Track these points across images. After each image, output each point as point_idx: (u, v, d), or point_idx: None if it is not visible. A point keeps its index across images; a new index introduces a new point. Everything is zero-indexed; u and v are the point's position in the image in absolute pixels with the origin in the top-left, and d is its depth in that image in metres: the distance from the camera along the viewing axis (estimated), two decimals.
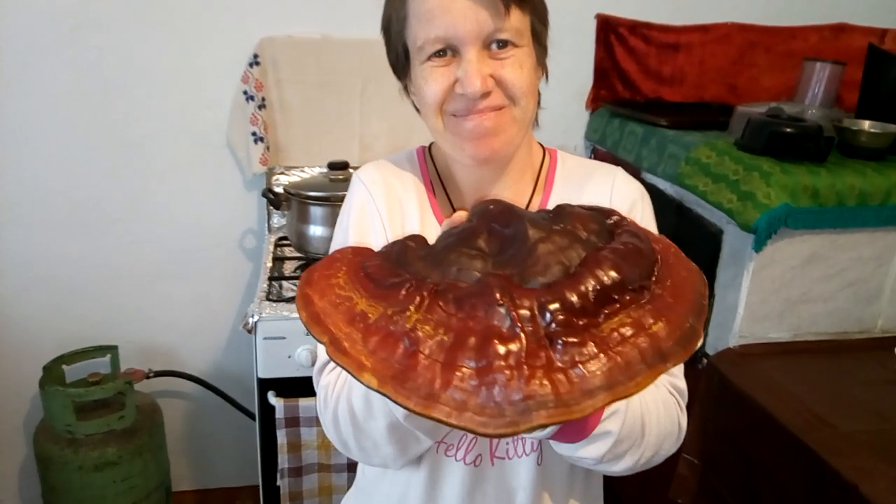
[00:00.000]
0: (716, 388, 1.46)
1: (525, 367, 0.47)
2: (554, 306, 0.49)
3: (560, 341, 0.48)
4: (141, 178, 1.94)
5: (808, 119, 1.56)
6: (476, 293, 0.51)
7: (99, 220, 1.95)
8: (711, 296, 1.54)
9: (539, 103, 0.86)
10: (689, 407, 1.50)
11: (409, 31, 0.77)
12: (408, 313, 0.51)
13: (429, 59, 0.76)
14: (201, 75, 1.89)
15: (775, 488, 1.28)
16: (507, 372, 0.47)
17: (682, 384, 0.86)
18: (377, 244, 0.84)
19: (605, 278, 0.51)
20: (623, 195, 0.88)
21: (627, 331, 0.49)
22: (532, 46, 0.78)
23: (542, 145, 0.94)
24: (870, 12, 2.14)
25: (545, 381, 0.46)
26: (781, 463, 1.26)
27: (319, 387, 0.82)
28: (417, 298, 0.52)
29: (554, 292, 0.50)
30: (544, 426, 0.45)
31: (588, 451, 0.70)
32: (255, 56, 1.87)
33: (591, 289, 0.50)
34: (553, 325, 0.49)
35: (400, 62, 0.82)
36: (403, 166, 0.90)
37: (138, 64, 1.85)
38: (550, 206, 0.88)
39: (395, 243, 0.62)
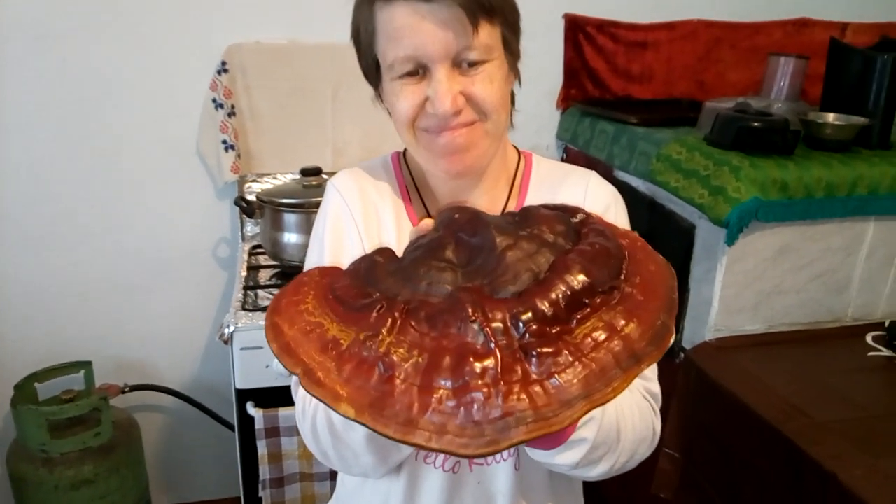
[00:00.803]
0: (694, 382, 1.47)
1: (502, 382, 0.47)
2: (526, 317, 0.50)
3: (535, 352, 0.48)
4: (112, 190, 1.91)
5: (775, 113, 1.58)
6: (448, 309, 0.51)
7: (70, 234, 1.91)
8: (686, 290, 1.56)
9: (514, 104, 0.87)
10: (667, 402, 1.51)
11: (378, 46, 0.77)
12: (380, 337, 0.51)
13: (399, 77, 0.76)
14: (169, 84, 1.86)
15: (755, 479, 1.29)
16: (485, 390, 0.47)
17: (656, 388, 0.87)
18: (353, 252, 0.84)
19: (575, 283, 0.51)
20: (597, 199, 0.88)
21: (600, 335, 0.50)
22: (503, 57, 0.78)
23: (517, 148, 0.94)
24: (830, 7, 2.18)
25: (523, 396, 0.47)
26: (760, 454, 1.28)
27: (297, 397, 0.81)
28: (389, 320, 0.52)
29: (525, 302, 0.51)
30: (525, 442, 0.45)
31: (564, 458, 0.70)
32: (224, 63, 1.85)
33: (561, 295, 0.51)
34: (527, 335, 0.49)
35: (371, 72, 0.81)
36: (378, 173, 0.90)
37: (106, 74, 1.82)
38: None
39: (362, 259, 0.62)
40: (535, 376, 0.47)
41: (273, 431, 1.54)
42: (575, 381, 0.47)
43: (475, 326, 0.49)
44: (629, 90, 2.13)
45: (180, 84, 1.86)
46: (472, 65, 0.74)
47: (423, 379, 0.48)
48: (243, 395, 1.55)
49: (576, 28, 2.04)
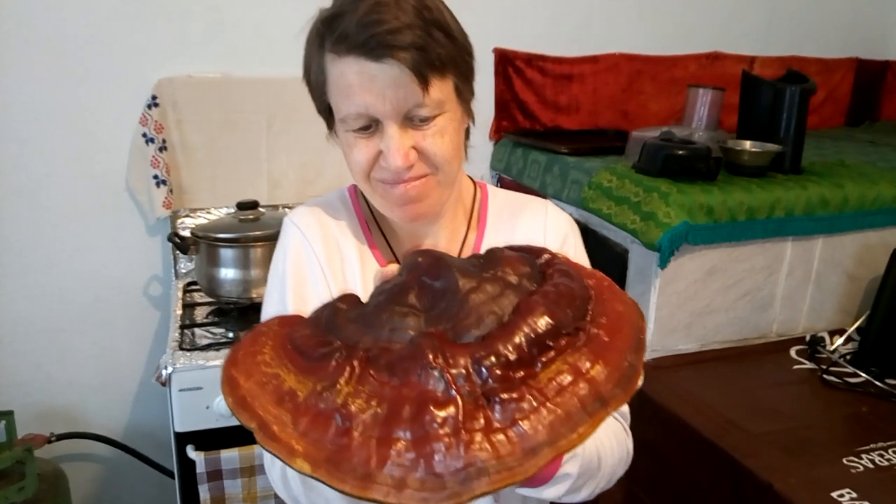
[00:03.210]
0: (634, 401, 1.51)
1: (463, 431, 0.45)
2: (489, 361, 0.48)
3: (498, 398, 0.47)
4: (32, 228, 1.82)
5: (697, 141, 1.67)
6: (409, 356, 0.50)
7: None
8: None
9: (468, 138, 0.88)
10: None
11: (329, 96, 0.77)
12: (338, 387, 0.49)
13: (352, 130, 0.76)
14: (96, 118, 1.81)
15: (697, 493, 1.34)
16: (446, 440, 0.45)
17: (625, 408, 0.90)
18: (317, 289, 0.83)
19: (539, 325, 0.50)
20: (556, 228, 0.91)
21: (565, 378, 0.49)
22: (456, 107, 0.79)
23: (472, 179, 0.95)
24: (740, 42, 2.33)
25: (485, 445, 0.45)
26: (700, 468, 1.33)
27: None
28: (347, 369, 0.50)
29: (488, 346, 0.49)
30: (489, 493, 0.44)
31: (549, 493, 0.71)
32: (154, 97, 1.81)
33: (525, 338, 0.49)
34: (490, 381, 0.48)
35: (324, 113, 0.82)
36: (337, 209, 0.90)
37: (27, 107, 1.75)
38: (485, 241, 0.90)
39: (325, 307, 0.60)
40: (497, 424, 0.46)
41: (215, 475, 1.48)
42: (540, 427, 0.46)
43: (436, 373, 0.48)
44: (557, 121, 2.20)
45: (108, 118, 1.81)
46: (424, 120, 0.75)
47: (381, 430, 0.47)
48: (183, 438, 1.49)
49: (505, 62, 2.10)
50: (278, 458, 0.47)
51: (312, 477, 0.46)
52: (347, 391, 0.49)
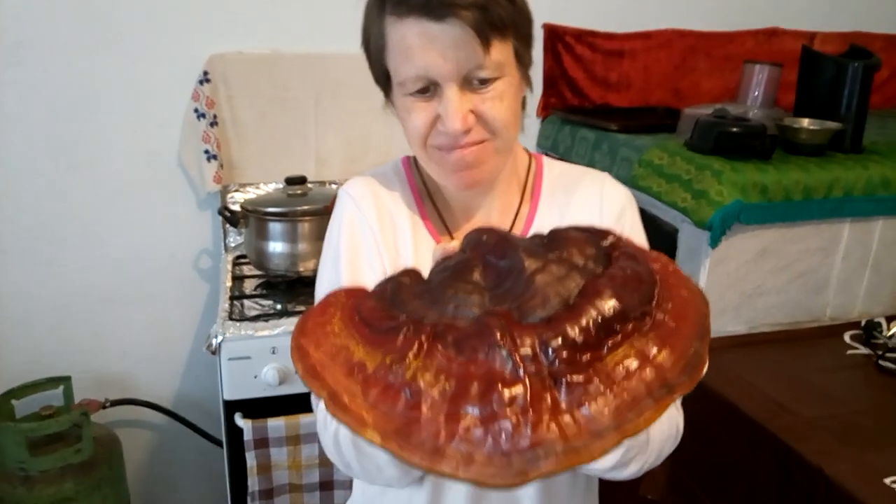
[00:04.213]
0: None
1: (531, 411, 0.46)
2: (556, 343, 0.48)
3: (565, 380, 0.47)
4: (91, 201, 1.88)
5: (752, 119, 1.62)
6: (476, 334, 0.50)
7: (47, 247, 1.88)
8: None
9: (524, 109, 0.86)
10: None
11: (388, 60, 0.77)
12: (407, 361, 0.50)
13: (410, 94, 0.76)
14: (151, 94, 1.85)
15: (743, 477, 1.31)
16: (513, 419, 0.46)
17: None
18: (371, 261, 0.84)
19: (606, 309, 0.50)
20: (613, 202, 0.89)
21: (632, 363, 0.49)
22: (515, 72, 0.78)
23: (527, 151, 0.94)
24: (799, 17, 2.25)
25: (552, 426, 0.45)
26: (747, 452, 1.30)
27: (318, 408, 0.80)
28: (416, 344, 0.50)
29: (555, 327, 0.49)
30: (555, 473, 0.45)
31: (598, 465, 0.70)
32: (206, 73, 1.84)
33: (592, 321, 0.49)
34: (556, 362, 0.48)
35: (381, 81, 0.82)
36: (391, 180, 0.90)
37: (85, 84, 1.80)
38: (539, 214, 0.89)
39: (388, 280, 0.61)
40: (564, 405, 0.46)
41: (262, 442, 1.52)
42: (606, 411, 0.46)
43: (503, 352, 0.48)
44: (607, 98, 2.16)
45: (162, 94, 1.85)
46: (483, 82, 0.75)
47: (450, 406, 0.47)
48: (231, 407, 1.53)
49: (555, 38, 2.07)
50: (348, 427, 0.48)
51: (382, 448, 0.47)
52: (416, 365, 0.50)
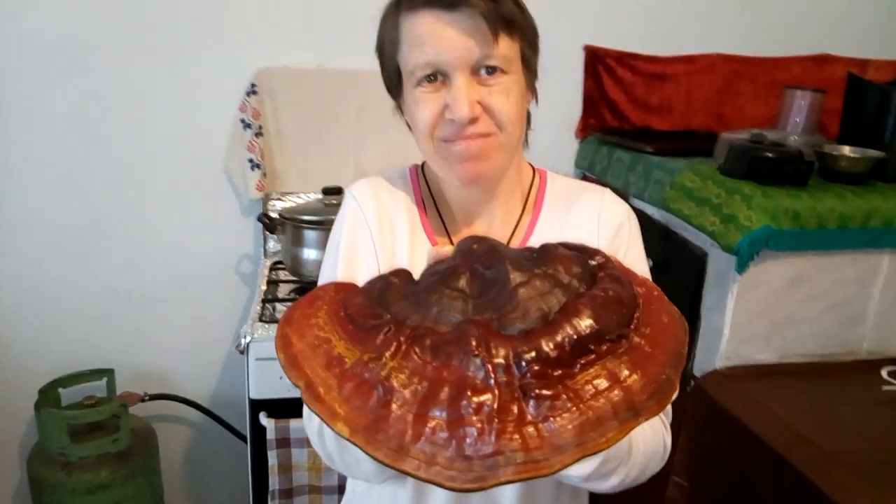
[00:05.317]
0: (703, 410, 1.47)
1: (496, 420, 0.47)
2: (529, 356, 0.50)
3: (534, 393, 0.48)
4: (141, 204, 1.98)
5: (790, 145, 1.60)
6: (453, 341, 0.52)
7: (97, 245, 1.98)
8: (698, 318, 1.56)
9: (529, 124, 0.89)
10: (678, 429, 1.51)
11: (400, 55, 0.80)
12: (383, 360, 0.52)
13: (419, 83, 0.79)
14: (200, 104, 1.94)
15: None
16: (479, 425, 0.47)
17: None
18: (366, 258, 0.87)
19: (582, 328, 0.51)
20: (611, 216, 0.90)
21: (602, 383, 0.50)
22: (521, 73, 0.81)
23: (532, 166, 0.97)
24: (851, 43, 2.19)
25: (516, 436, 0.47)
26: (767, 483, 1.27)
27: None
28: (394, 344, 0.52)
29: (530, 341, 0.51)
30: (512, 482, 0.46)
31: (574, 470, 0.70)
32: (253, 85, 1.92)
33: (567, 339, 0.51)
34: (528, 375, 0.49)
35: (393, 83, 0.85)
36: (396, 183, 0.93)
37: (138, 91, 1.90)
38: (539, 225, 0.91)
39: (379, 279, 0.63)
40: (530, 417, 0.48)
41: (284, 442, 1.56)
42: (570, 426, 0.47)
43: (477, 361, 0.50)
44: (648, 121, 2.15)
45: (211, 104, 1.94)
46: (491, 73, 0.77)
47: (419, 407, 0.49)
48: (256, 406, 1.58)
49: (595, 60, 2.08)
50: (321, 417, 0.50)
51: (350, 441, 0.49)
52: (392, 365, 0.51)
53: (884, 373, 1.50)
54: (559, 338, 0.51)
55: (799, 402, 1.40)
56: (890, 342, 1.58)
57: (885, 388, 1.45)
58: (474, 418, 0.47)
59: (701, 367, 1.55)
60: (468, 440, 0.47)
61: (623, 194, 1.84)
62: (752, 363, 1.52)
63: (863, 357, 1.57)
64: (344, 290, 0.63)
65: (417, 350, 0.52)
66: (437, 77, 0.78)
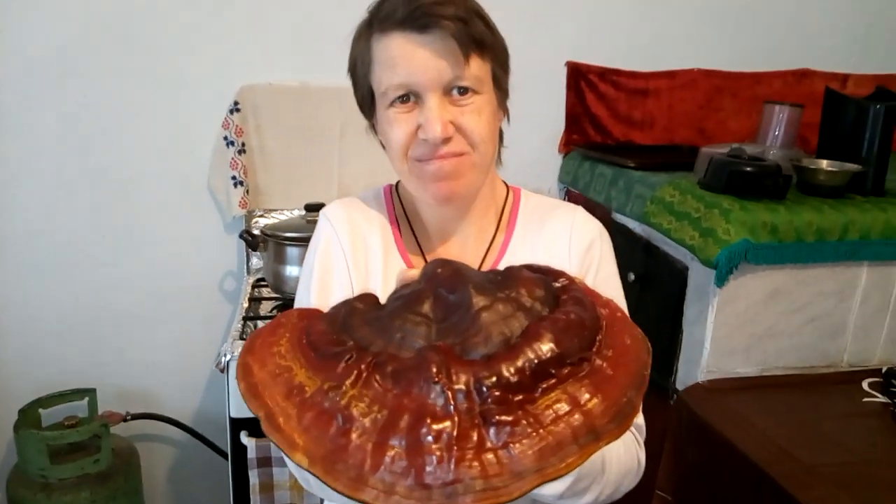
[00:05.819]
0: (685, 423, 1.47)
1: (455, 448, 0.47)
2: (490, 382, 0.49)
3: (494, 420, 0.48)
4: (123, 222, 1.97)
5: (769, 159, 1.61)
6: (414, 367, 0.51)
7: (80, 263, 1.97)
8: (679, 332, 1.56)
9: (502, 142, 0.90)
10: (661, 443, 1.50)
11: (373, 75, 0.81)
12: (344, 388, 0.52)
13: (392, 104, 0.80)
14: (184, 121, 1.94)
15: None
16: (438, 453, 0.47)
17: (640, 420, 0.87)
18: (340, 281, 0.87)
19: (543, 352, 0.51)
20: (582, 234, 0.91)
21: (562, 407, 0.49)
22: (492, 92, 0.82)
23: (506, 184, 0.97)
24: (830, 58, 2.22)
25: (475, 463, 0.47)
26: (749, 496, 1.27)
27: None
28: (355, 372, 0.52)
29: (491, 367, 0.50)
30: None
31: (547, 489, 0.70)
32: (236, 103, 1.93)
33: (528, 363, 0.50)
34: (489, 401, 0.49)
35: (366, 102, 0.86)
36: (370, 203, 0.93)
37: (123, 110, 1.90)
38: (513, 243, 0.91)
39: (343, 304, 0.62)
40: (490, 444, 0.48)
41: (265, 461, 1.55)
42: (530, 452, 0.47)
43: (438, 387, 0.49)
44: (631, 136, 2.17)
45: (194, 122, 1.94)
46: (463, 93, 0.78)
47: (378, 436, 0.49)
48: (237, 424, 1.57)
49: (578, 75, 2.09)
50: (280, 448, 0.50)
51: (308, 471, 0.48)
52: (352, 394, 0.51)
53: (864, 385, 1.51)
54: (520, 362, 0.50)
55: (780, 414, 1.40)
56: (870, 354, 1.58)
57: (866, 399, 1.45)
58: (434, 446, 0.47)
59: (683, 380, 1.55)
60: (427, 469, 0.46)
61: (605, 210, 1.86)
62: (734, 376, 1.52)
63: (843, 369, 1.57)
64: (307, 316, 0.63)
65: (378, 378, 0.52)
66: (409, 98, 0.79)
